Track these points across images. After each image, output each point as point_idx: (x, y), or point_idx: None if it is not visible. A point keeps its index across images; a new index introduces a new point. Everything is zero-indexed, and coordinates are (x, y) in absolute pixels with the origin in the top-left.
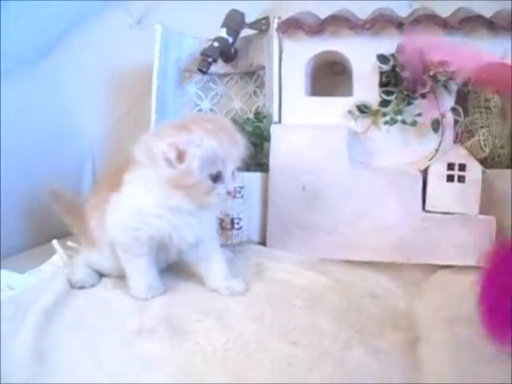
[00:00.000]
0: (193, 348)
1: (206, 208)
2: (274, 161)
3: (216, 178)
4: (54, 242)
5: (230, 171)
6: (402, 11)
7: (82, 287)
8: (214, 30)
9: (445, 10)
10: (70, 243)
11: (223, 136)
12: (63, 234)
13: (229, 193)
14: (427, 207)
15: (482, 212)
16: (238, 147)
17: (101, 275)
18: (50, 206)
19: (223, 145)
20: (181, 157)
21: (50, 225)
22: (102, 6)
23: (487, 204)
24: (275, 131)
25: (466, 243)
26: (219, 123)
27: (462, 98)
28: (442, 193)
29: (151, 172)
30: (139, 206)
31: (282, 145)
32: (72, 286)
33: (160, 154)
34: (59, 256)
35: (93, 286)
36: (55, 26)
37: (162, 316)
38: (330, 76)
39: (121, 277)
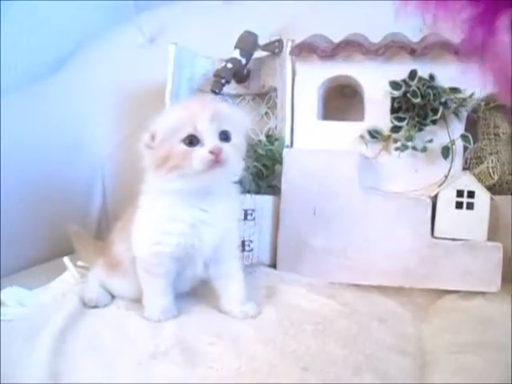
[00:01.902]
0: (206, 372)
1: (202, 186)
2: (285, 184)
3: (191, 141)
4: (65, 259)
5: (207, 132)
6: (413, 35)
7: (95, 306)
8: (225, 49)
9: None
10: (80, 262)
11: (191, 102)
12: (71, 250)
13: (211, 152)
14: (436, 233)
15: (489, 238)
16: (209, 106)
17: (113, 295)
18: (70, 238)
19: (190, 108)
20: (153, 137)
21: (58, 241)
22: (114, 24)
23: (494, 230)
24: (288, 155)
25: (473, 269)
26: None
27: (471, 125)
28: (450, 219)
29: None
30: (155, 214)
31: (294, 169)
32: (85, 304)
33: (142, 146)
34: (70, 273)
35: (105, 305)
36: (66, 42)
37: (175, 339)
38: (340, 98)
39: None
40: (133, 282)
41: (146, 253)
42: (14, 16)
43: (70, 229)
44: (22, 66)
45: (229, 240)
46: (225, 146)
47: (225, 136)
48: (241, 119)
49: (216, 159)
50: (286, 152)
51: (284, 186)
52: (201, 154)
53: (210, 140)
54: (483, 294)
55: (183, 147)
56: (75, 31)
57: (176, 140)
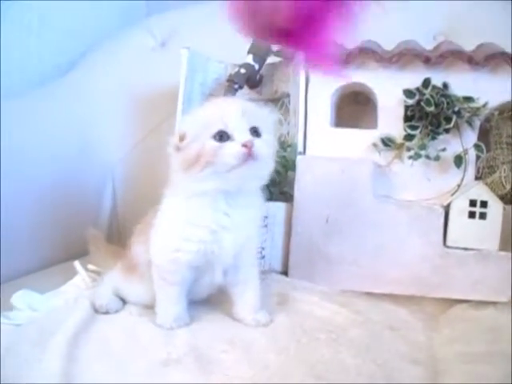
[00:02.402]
0: (220, 380)
1: (235, 183)
2: (298, 191)
3: (221, 137)
4: (76, 263)
5: (237, 127)
6: (427, 44)
7: (106, 312)
8: (238, 54)
9: (467, 43)
10: (90, 266)
11: (219, 100)
12: (81, 254)
13: (244, 145)
14: (448, 242)
15: (501, 248)
16: (238, 102)
17: (125, 301)
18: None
19: (219, 105)
20: (182, 137)
21: (68, 244)
22: (125, 26)
23: (506, 240)
24: (301, 162)
25: (485, 279)
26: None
27: (483, 134)
28: (463, 229)
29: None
30: (176, 218)
31: (307, 176)
32: (96, 310)
33: (171, 149)
34: (81, 278)
35: (116, 311)
36: (77, 44)
37: (188, 346)
38: (353, 105)
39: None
40: (149, 286)
41: (164, 259)
42: (24, 17)
43: (88, 232)
44: (32, 68)
45: (249, 247)
46: (256, 140)
47: (255, 132)
48: (269, 117)
49: (249, 152)
50: (299, 159)
51: (297, 193)
52: (233, 148)
53: (241, 135)
54: (494, 303)
55: (214, 143)
56: (85, 33)
57: (206, 137)
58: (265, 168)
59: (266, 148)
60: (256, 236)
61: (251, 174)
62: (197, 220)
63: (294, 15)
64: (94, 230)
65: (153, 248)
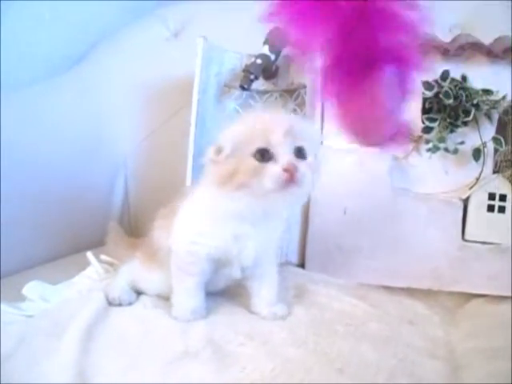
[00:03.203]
0: (240, 374)
1: (270, 207)
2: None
3: (263, 156)
4: (89, 254)
5: (281, 146)
6: (443, 36)
7: (119, 305)
8: (250, 44)
9: (482, 36)
10: (103, 256)
11: (264, 113)
12: (94, 245)
13: (286, 170)
14: (466, 236)
15: None
16: (284, 118)
17: (139, 293)
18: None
19: (263, 119)
20: (219, 150)
21: (80, 236)
22: (136, 17)
23: None
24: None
25: (502, 273)
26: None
27: (502, 127)
28: (481, 222)
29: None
30: (202, 211)
31: (324, 167)
32: (109, 302)
33: (206, 160)
34: (94, 269)
35: (130, 304)
36: (87, 36)
37: (206, 339)
38: None
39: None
40: (168, 274)
41: (182, 249)
42: (34, 9)
43: (110, 226)
44: (43, 60)
45: (270, 248)
46: (300, 164)
47: (300, 153)
48: (315, 135)
49: (291, 178)
50: None
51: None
52: (274, 171)
53: (285, 156)
54: (511, 298)
55: (254, 162)
56: (97, 24)
57: (246, 154)
58: (306, 194)
59: (310, 173)
60: (279, 238)
61: (289, 200)
62: (221, 222)
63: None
64: (115, 223)
65: (173, 235)
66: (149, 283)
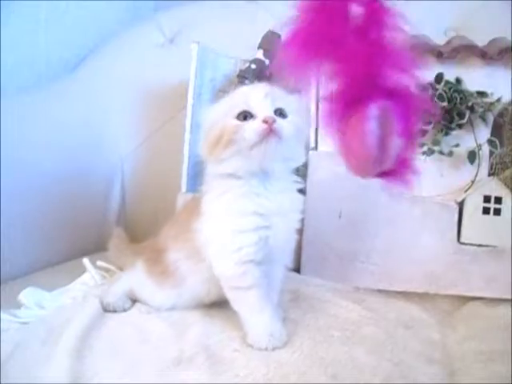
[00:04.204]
0: (233, 379)
1: (260, 163)
2: (310, 187)
3: (245, 117)
4: (85, 261)
5: (260, 106)
6: (438, 39)
7: (113, 311)
8: (245, 49)
9: (477, 39)
10: (100, 262)
11: (245, 87)
12: (90, 251)
13: (264, 121)
14: (462, 239)
15: None
16: (264, 85)
17: (134, 300)
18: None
19: (243, 90)
20: (208, 125)
21: (76, 241)
22: (133, 23)
23: None
24: (313, 158)
25: (498, 276)
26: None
27: (497, 129)
28: (477, 225)
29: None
30: (224, 219)
31: (319, 171)
32: (103, 308)
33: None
34: (90, 275)
35: (124, 310)
36: (84, 40)
37: (200, 344)
38: None
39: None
40: (186, 293)
41: (229, 263)
42: (31, 13)
43: (115, 231)
44: (40, 64)
45: (290, 243)
46: (280, 120)
47: (280, 113)
48: (297, 101)
49: (269, 128)
50: (311, 154)
51: (309, 189)
52: (253, 124)
53: (264, 112)
54: (509, 301)
55: (236, 122)
56: (94, 29)
57: (229, 118)
58: (290, 149)
59: (291, 127)
60: (297, 232)
61: (274, 152)
62: (243, 209)
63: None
64: (120, 230)
65: (216, 262)
66: (160, 300)
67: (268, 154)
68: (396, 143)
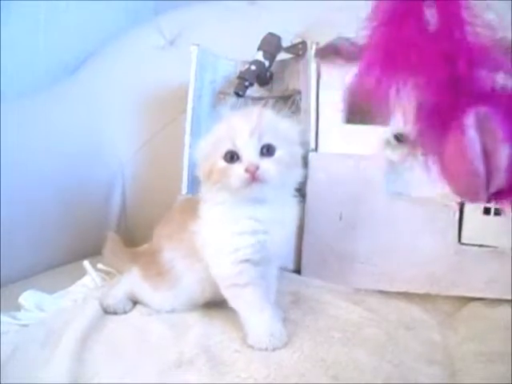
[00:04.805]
0: (234, 381)
1: (239, 196)
2: (311, 189)
3: (231, 157)
4: (85, 263)
5: (246, 147)
6: None
7: (113, 313)
8: (247, 51)
9: None
10: (100, 265)
11: (235, 116)
12: (90, 254)
13: (247, 170)
14: (463, 239)
15: None
16: (251, 118)
17: (135, 302)
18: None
19: (231, 122)
20: (204, 157)
21: (77, 244)
22: (133, 26)
23: None
24: (313, 159)
25: (499, 276)
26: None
27: None
28: (478, 225)
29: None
30: (221, 222)
31: (319, 173)
32: (104, 310)
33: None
34: (90, 277)
35: (125, 312)
36: (84, 44)
37: (200, 346)
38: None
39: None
40: (182, 294)
41: (226, 264)
42: (30, 16)
43: (109, 235)
44: (40, 67)
45: (287, 247)
46: (265, 162)
47: (267, 150)
48: (288, 129)
49: (252, 177)
50: (311, 156)
51: (309, 191)
52: (237, 171)
53: (249, 156)
54: (509, 301)
55: (223, 163)
56: (93, 32)
57: (218, 156)
58: (275, 186)
59: (277, 167)
60: (293, 234)
61: (260, 194)
62: (240, 215)
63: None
64: (113, 234)
65: (212, 262)
66: (158, 302)
67: (254, 195)
68: (503, 152)
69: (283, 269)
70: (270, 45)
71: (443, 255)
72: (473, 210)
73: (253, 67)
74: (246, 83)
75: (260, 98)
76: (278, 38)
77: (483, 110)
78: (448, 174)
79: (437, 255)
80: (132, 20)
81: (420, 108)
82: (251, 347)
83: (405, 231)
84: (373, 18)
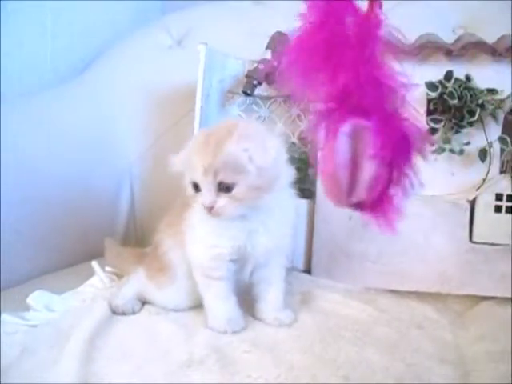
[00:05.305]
0: (245, 381)
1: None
2: (320, 188)
3: (196, 187)
4: (94, 264)
5: (202, 183)
6: (446, 37)
7: (122, 313)
8: (253, 50)
9: (487, 36)
10: (108, 268)
11: (198, 143)
12: (98, 254)
13: (203, 206)
14: (474, 238)
15: None
16: (207, 154)
17: (143, 303)
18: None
19: (192, 152)
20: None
21: (85, 244)
22: (140, 26)
23: None
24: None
25: (510, 275)
26: (218, 126)
27: (507, 127)
28: (489, 224)
29: None
30: (208, 223)
31: None
32: (112, 310)
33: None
34: (98, 278)
35: (133, 313)
36: (91, 44)
37: (210, 346)
38: None
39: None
40: (181, 288)
41: (204, 256)
42: (38, 17)
43: (106, 242)
44: (47, 68)
45: (280, 246)
46: (221, 198)
47: (224, 187)
48: (256, 158)
49: (210, 212)
50: (320, 155)
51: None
52: (199, 203)
53: (205, 192)
54: None
55: (190, 190)
56: (100, 32)
57: (187, 180)
58: (233, 215)
59: (234, 203)
60: (290, 235)
61: (229, 217)
62: (232, 222)
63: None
64: (110, 240)
65: (191, 248)
66: (163, 300)
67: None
68: (370, 167)
69: (293, 269)
70: (279, 43)
71: (454, 254)
72: (484, 209)
73: (261, 66)
74: (255, 82)
75: (269, 97)
76: (286, 37)
77: (363, 123)
78: (320, 172)
79: (448, 254)
80: (139, 20)
81: (320, 103)
82: (211, 329)
83: (416, 230)
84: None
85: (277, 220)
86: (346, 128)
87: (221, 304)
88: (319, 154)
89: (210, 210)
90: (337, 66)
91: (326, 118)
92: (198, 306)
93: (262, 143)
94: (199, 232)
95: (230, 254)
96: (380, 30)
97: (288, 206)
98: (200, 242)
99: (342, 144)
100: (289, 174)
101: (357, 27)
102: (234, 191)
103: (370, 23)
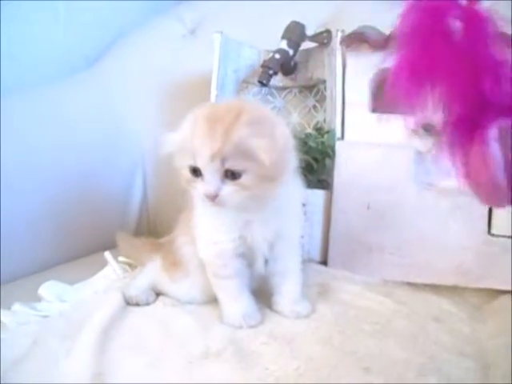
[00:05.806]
0: (263, 373)
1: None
2: (338, 178)
3: (195, 171)
4: (107, 254)
5: (206, 169)
6: None
7: (136, 304)
8: (270, 39)
9: None
10: (121, 258)
11: (200, 126)
12: (111, 245)
13: (205, 195)
14: (493, 230)
15: None
16: (216, 140)
17: (157, 294)
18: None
19: (194, 136)
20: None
21: (98, 235)
22: (154, 14)
23: None
24: (340, 148)
25: None
26: (221, 109)
27: None
28: (508, 216)
29: None
30: (208, 216)
31: (347, 162)
32: (126, 301)
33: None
34: (111, 268)
35: (147, 304)
36: (104, 34)
37: (227, 338)
38: None
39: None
40: (196, 281)
41: (210, 254)
42: (50, 7)
43: (118, 236)
44: (60, 58)
45: (286, 236)
46: (227, 186)
47: (231, 174)
48: (261, 150)
49: (212, 201)
50: (338, 144)
51: (336, 180)
52: (199, 189)
53: (209, 179)
54: None
55: (188, 174)
56: (113, 23)
57: (184, 163)
58: (236, 205)
59: (239, 192)
60: (295, 225)
61: (228, 207)
62: (228, 215)
63: None
64: (122, 233)
65: (199, 246)
66: (178, 293)
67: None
68: None
69: (309, 260)
70: (294, 33)
71: (472, 246)
72: None
73: (277, 56)
74: (270, 72)
75: (284, 88)
76: (302, 27)
77: (505, 123)
78: (472, 183)
79: (466, 246)
80: (152, 9)
81: (446, 121)
82: (227, 325)
83: (433, 222)
84: (399, 30)
85: (272, 210)
86: (493, 133)
87: (234, 302)
88: (460, 166)
89: (214, 198)
90: (473, 71)
91: (467, 128)
92: (213, 300)
93: (271, 128)
94: (200, 230)
95: (233, 249)
96: (492, 24)
97: (289, 195)
98: (203, 239)
99: (495, 150)
100: (294, 161)
101: (468, 26)
102: (242, 179)
103: (480, 19)
